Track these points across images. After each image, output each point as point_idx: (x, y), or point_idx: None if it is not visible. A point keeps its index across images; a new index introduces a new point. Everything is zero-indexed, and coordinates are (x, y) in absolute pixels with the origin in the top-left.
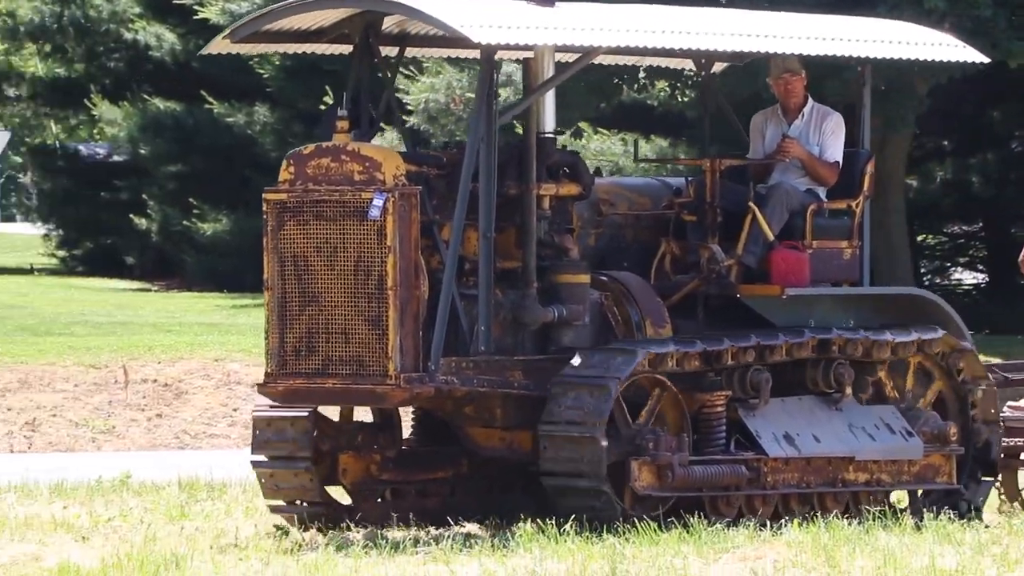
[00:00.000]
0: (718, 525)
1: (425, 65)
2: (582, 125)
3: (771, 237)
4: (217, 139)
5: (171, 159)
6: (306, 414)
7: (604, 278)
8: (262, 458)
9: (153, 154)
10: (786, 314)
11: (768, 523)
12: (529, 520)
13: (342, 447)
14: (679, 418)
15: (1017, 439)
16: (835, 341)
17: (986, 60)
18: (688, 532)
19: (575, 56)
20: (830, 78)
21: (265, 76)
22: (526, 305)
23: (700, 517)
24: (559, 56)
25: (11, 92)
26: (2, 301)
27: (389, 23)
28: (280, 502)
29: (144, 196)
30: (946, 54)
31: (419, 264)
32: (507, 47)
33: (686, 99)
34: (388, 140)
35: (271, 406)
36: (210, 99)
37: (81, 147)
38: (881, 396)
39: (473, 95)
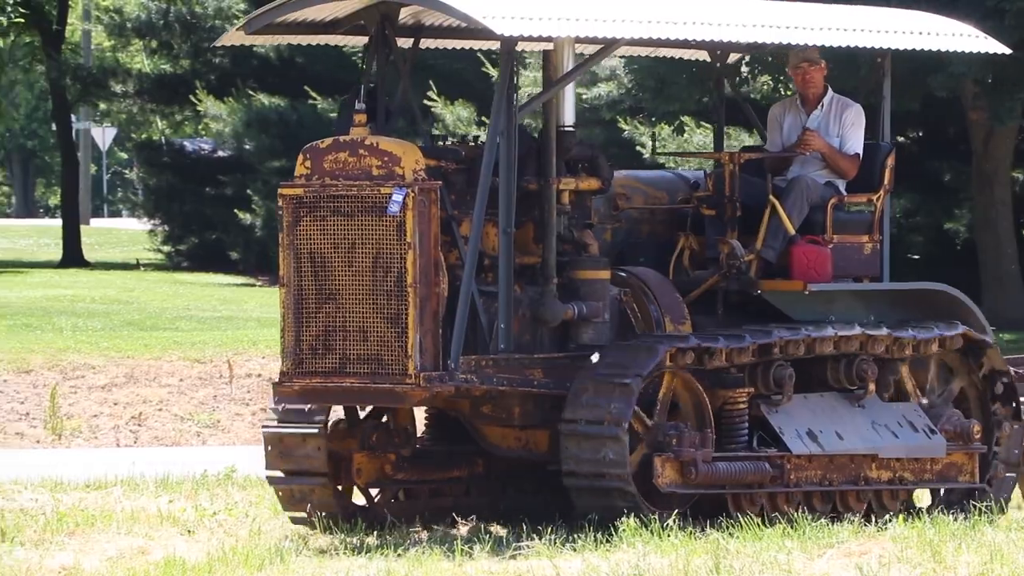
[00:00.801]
0: (822, 520)
1: (528, 60)
2: (684, 119)
3: (792, 231)
4: (321, 134)
5: (275, 154)
6: (317, 431)
7: (623, 274)
8: (278, 474)
9: (257, 149)
10: (806, 310)
11: (873, 518)
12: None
13: (357, 447)
14: (702, 414)
15: None
16: (882, 338)
17: (1007, 51)
18: (792, 527)
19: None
20: (935, 73)
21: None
22: (545, 302)
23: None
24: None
25: (118, 88)
26: (109, 296)
27: (404, 14)
28: (300, 514)
29: (248, 191)
30: (967, 44)
31: (439, 261)
32: (530, 39)
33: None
34: None
35: (279, 423)
36: (314, 94)
37: (186, 143)
38: (905, 392)
39: (579, 89)
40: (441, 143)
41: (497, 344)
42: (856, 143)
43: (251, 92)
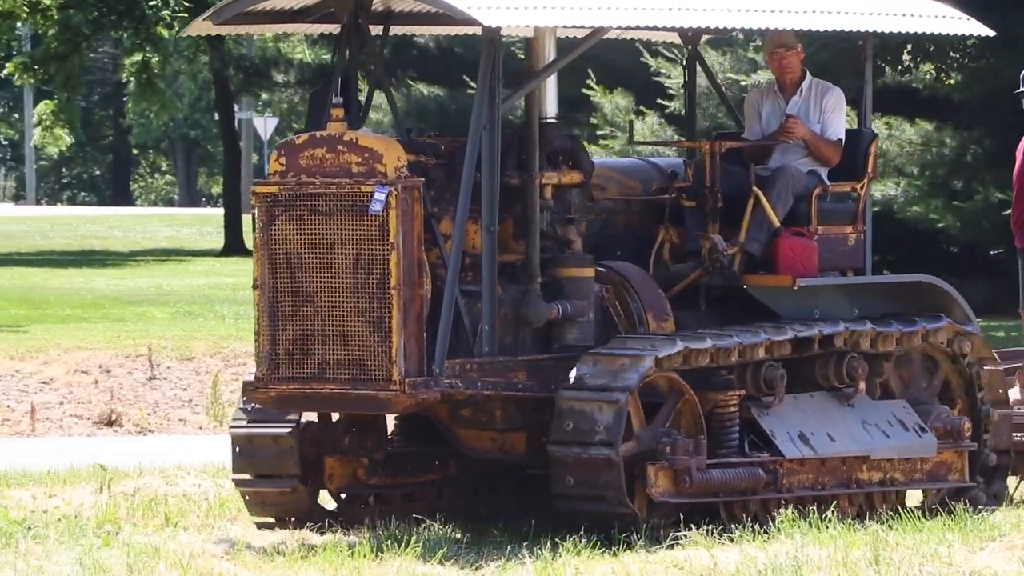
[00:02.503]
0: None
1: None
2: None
3: (777, 223)
4: None
5: None
6: (289, 430)
7: (602, 269)
8: (246, 477)
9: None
10: (792, 305)
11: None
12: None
13: (328, 451)
14: (694, 419)
15: (1016, 433)
16: (867, 333)
17: (991, 33)
18: (952, 519)
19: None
20: None
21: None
22: (529, 302)
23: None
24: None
25: (279, 78)
26: None
27: (375, 0)
28: (268, 519)
29: None
30: (950, 27)
31: (423, 261)
32: (515, 29)
33: (952, 82)
34: (648, 124)
35: (249, 423)
36: (472, 84)
37: None
38: (891, 390)
39: (735, 76)
40: (418, 137)
41: (481, 347)
42: (838, 128)
43: (410, 82)
